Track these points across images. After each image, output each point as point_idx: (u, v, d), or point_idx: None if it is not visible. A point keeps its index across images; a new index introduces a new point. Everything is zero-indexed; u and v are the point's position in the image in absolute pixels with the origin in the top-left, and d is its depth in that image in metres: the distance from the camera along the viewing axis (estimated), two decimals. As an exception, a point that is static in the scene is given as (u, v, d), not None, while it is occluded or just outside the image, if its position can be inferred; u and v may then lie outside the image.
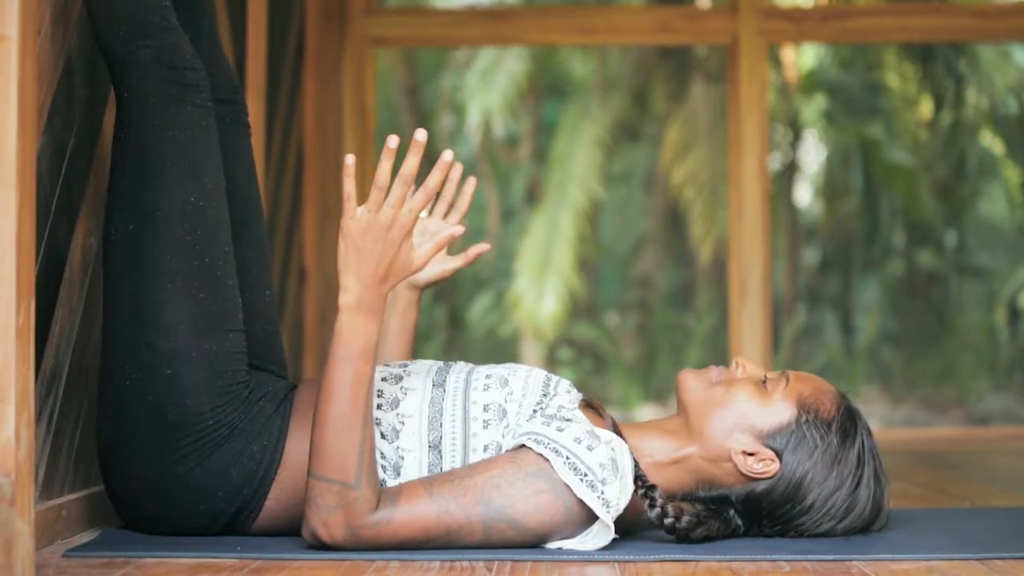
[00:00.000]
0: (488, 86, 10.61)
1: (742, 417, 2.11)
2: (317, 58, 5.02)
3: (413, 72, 12.06)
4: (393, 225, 1.93)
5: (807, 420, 2.10)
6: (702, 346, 10.75)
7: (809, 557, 1.97)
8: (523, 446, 2.01)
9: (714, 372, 2.17)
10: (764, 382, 2.14)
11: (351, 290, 1.94)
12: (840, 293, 11.82)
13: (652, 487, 2.04)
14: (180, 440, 2.05)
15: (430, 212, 2.46)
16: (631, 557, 1.97)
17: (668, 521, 2.03)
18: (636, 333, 11.93)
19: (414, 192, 1.99)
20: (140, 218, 2.09)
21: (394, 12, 6.93)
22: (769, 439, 2.10)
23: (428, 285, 2.44)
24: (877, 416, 9.89)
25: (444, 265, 2.42)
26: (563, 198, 10.37)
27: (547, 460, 1.97)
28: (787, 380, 2.14)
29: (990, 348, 10.81)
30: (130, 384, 2.06)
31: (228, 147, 2.37)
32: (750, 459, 2.09)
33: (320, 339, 5.05)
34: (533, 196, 11.68)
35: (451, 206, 2.46)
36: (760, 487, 2.10)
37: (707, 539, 2.09)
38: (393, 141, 1.89)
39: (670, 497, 2.12)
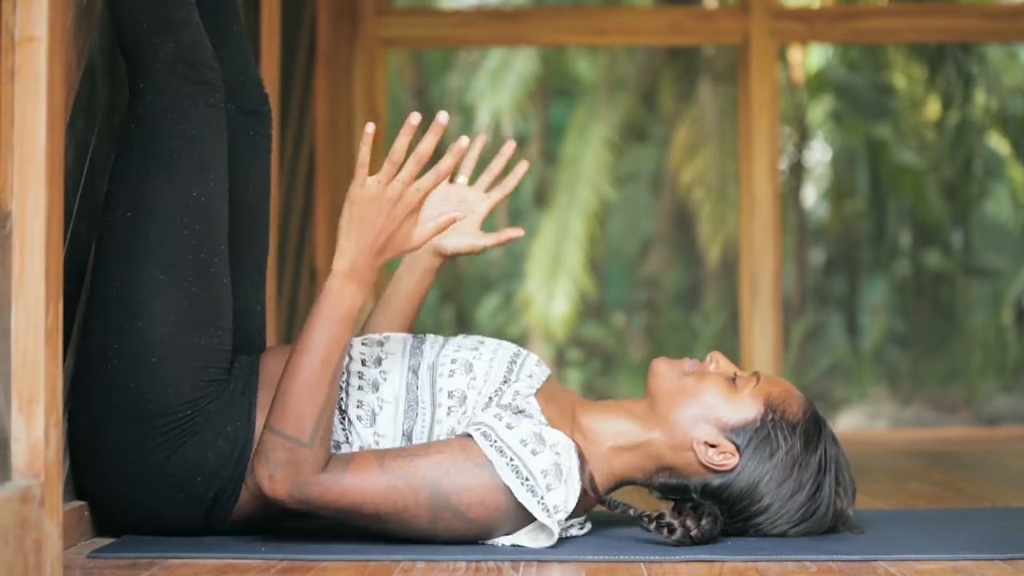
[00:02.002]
0: (498, 87, 10.61)
1: (709, 409, 2.12)
2: (328, 59, 5.02)
3: (420, 73, 12.07)
4: (400, 200, 1.95)
5: (773, 420, 2.11)
6: (710, 346, 10.72)
7: (835, 557, 1.97)
8: (471, 437, 2.01)
9: (688, 364, 2.18)
10: (734, 379, 2.15)
11: (346, 256, 1.96)
12: (847, 294, 11.81)
13: (661, 515, 2.05)
14: (157, 428, 2.04)
15: (470, 181, 2.42)
16: (657, 557, 1.97)
17: (694, 534, 2.03)
18: (644, 334, 11.92)
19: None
20: (140, 207, 2.09)
21: (405, 13, 6.93)
22: (732, 433, 2.11)
23: (455, 254, 2.38)
24: (885, 416, 9.88)
25: (475, 241, 2.36)
26: (573, 199, 10.37)
27: (490, 461, 1.98)
28: (757, 380, 2.16)
29: (997, 348, 10.80)
30: (112, 370, 2.05)
31: (248, 159, 2.37)
32: (711, 450, 2.11)
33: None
34: (541, 197, 11.68)
35: (495, 182, 2.43)
36: (717, 480, 2.10)
37: (723, 535, 2.11)
38: (415, 118, 1.92)
39: (645, 482, 2.15)
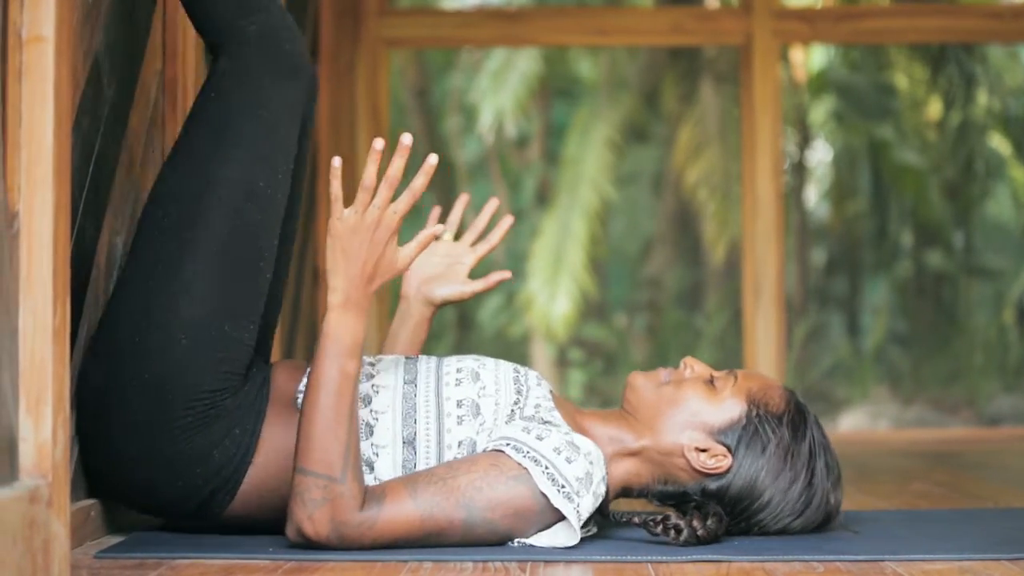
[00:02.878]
0: (500, 87, 10.60)
1: (693, 415, 2.13)
2: (331, 59, 5.02)
3: (422, 73, 12.06)
4: (379, 226, 1.97)
5: (758, 415, 2.12)
6: (712, 347, 10.74)
7: (842, 557, 1.97)
8: (502, 452, 2.02)
9: (663, 373, 2.20)
10: (712, 381, 2.16)
11: (339, 289, 1.97)
12: (848, 294, 11.80)
13: (667, 517, 2.05)
14: (171, 412, 2.04)
15: (456, 237, 2.51)
16: (664, 558, 1.97)
17: (701, 533, 2.04)
18: (646, 334, 11.92)
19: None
20: (208, 183, 2.09)
21: (407, 13, 6.94)
22: (721, 435, 2.12)
23: (444, 303, 2.46)
24: (887, 417, 9.87)
25: (464, 287, 2.45)
26: (574, 199, 10.36)
27: (526, 470, 1.98)
28: (735, 378, 2.17)
29: (999, 348, 10.79)
30: (140, 342, 2.04)
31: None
32: (702, 455, 2.12)
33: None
34: (543, 197, 11.67)
35: (481, 236, 2.54)
36: (714, 484, 2.12)
37: (728, 534, 2.12)
38: (379, 143, 1.93)
39: (643, 491, 2.16)
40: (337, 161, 1.95)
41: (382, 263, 1.99)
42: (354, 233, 1.96)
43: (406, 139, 1.95)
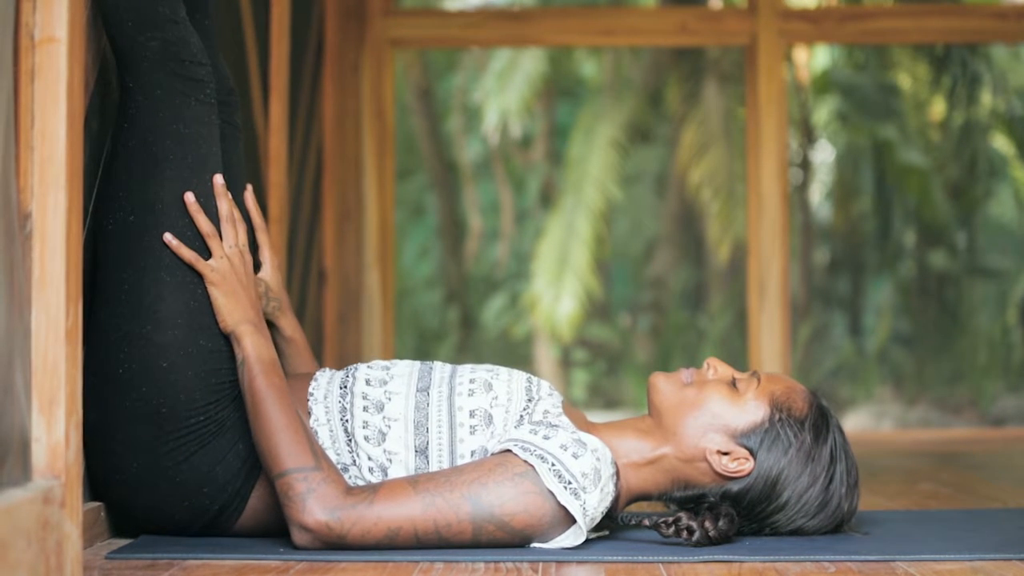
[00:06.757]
0: (505, 87, 10.59)
1: (715, 417, 2.13)
2: (336, 59, 5.02)
3: (426, 73, 12.06)
4: (242, 259, 2.15)
5: (780, 418, 2.12)
6: (715, 347, 10.74)
7: (853, 558, 1.97)
8: (510, 451, 2.03)
9: (685, 374, 2.19)
10: (734, 383, 2.15)
11: (243, 323, 2.12)
12: (851, 294, 11.80)
13: (678, 518, 2.05)
14: (169, 434, 2.07)
15: None
16: (675, 558, 1.97)
17: (713, 534, 2.04)
18: (649, 334, 11.91)
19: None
20: (141, 209, 2.11)
21: (412, 13, 6.93)
22: (743, 438, 2.12)
23: (275, 296, 2.49)
24: (891, 417, 9.87)
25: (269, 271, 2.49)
26: (579, 199, 10.36)
27: (532, 467, 1.99)
28: (758, 380, 2.17)
29: (1002, 348, 10.78)
30: (123, 373, 2.07)
31: (223, 148, 2.38)
32: (725, 458, 2.12)
33: (339, 339, 5.04)
34: (547, 197, 11.67)
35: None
36: (736, 487, 2.12)
37: (738, 534, 2.12)
38: (190, 197, 2.12)
39: (662, 496, 2.17)
40: (191, 197, 2.10)
41: (251, 288, 2.15)
42: (229, 274, 2.12)
43: (219, 179, 2.15)
